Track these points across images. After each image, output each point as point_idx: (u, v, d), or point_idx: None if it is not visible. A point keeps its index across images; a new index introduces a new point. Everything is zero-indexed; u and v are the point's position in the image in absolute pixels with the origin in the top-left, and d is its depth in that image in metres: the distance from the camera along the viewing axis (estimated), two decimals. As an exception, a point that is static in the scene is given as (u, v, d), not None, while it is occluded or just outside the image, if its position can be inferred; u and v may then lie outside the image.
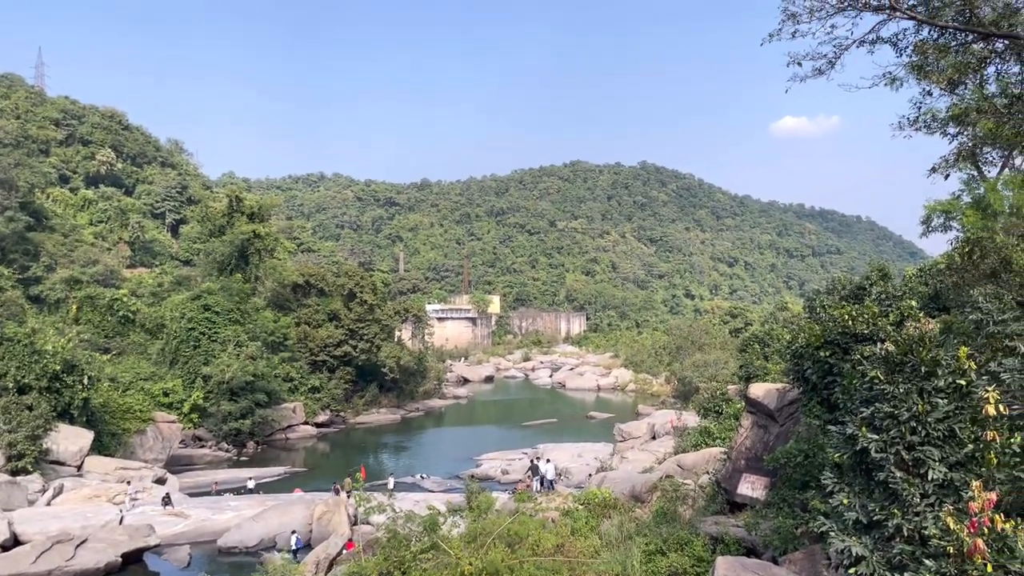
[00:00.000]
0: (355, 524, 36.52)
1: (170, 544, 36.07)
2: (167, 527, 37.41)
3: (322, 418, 77.15)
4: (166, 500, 41.43)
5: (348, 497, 40.14)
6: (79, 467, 47.36)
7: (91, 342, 68.21)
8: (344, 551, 30.59)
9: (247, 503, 42.55)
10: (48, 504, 40.28)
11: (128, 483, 41.24)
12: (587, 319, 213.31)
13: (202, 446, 64.00)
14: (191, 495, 46.71)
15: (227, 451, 63.82)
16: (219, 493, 47.88)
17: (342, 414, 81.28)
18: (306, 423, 74.08)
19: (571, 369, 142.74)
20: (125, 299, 76.40)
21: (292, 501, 42.01)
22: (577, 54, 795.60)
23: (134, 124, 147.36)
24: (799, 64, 16.46)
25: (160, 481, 48.37)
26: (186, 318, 70.10)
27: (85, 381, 51.22)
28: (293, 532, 35.69)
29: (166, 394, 64.81)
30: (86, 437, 48.95)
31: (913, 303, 20.80)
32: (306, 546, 35.73)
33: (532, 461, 45.22)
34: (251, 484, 49.80)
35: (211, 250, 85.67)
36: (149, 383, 65.31)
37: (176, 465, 56.54)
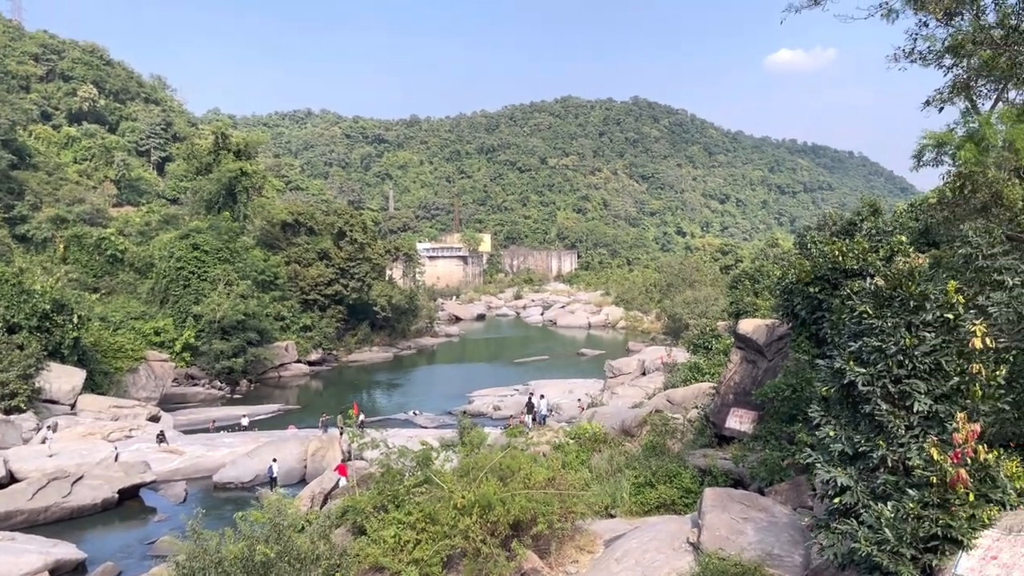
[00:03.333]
0: (348, 460, 37.01)
1: (166, 480, 36.58)
2: (162, 464, 37.85)
3: (314, 356, 77.55)
4: (160, 437, 41.83)
5: (341, 434, 40.63)
6: (72, 405, 47.68)
7: (79, 281, 67.94)
8: (338, 486, 31.03)
9: (241, 440, 43.03)
10: (43, 442, 40.63)
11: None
12: (578, 257, 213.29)
13: (195, 384, 64.39)
14: (186, 432, 47.18)
15: (220, 389, 64.27)
16: (217, 430, 48.38)
17: (334, 352, 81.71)
18: (299, 361, 74.50)
19: (562, 307, 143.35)
20: (112, 238, 75.82)
21: (286, 438, 42.49)
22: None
23: (115, 59, 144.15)
24: (795, -7, 16.13)
25: (154, 419, 48.78)
26: (175, 257, 69.74)
27: (75, 320, 51.19)
28: (274, 460, 36.26)
29: (157, 333, 64.88)
30: (78, 376, 49.16)
31: (903, 238, 20.81)
32: (300, 481, 36.28)
33: (529, 398, 45.69)
34: (245, 421, 50.28)
35: (198, 188, 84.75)
36: (140, 322, 65.32)
37: (170, 403, 56.96)
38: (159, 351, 62.15)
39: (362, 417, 47.12)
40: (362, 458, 33.26)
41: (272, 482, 35.11)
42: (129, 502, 33.69)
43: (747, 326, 26.37)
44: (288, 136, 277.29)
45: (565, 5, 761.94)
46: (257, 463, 37.57)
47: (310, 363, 76.22)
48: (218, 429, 48.95)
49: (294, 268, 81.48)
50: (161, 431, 43.07)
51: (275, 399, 62.47)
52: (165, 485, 36.12)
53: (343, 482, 30.70)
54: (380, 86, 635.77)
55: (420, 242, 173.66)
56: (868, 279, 10.68)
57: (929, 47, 15.95)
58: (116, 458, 37.48)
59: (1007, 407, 9.61)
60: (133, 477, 34.28)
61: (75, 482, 32.24)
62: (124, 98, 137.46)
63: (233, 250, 74.75)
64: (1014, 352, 11.12)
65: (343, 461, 35.62)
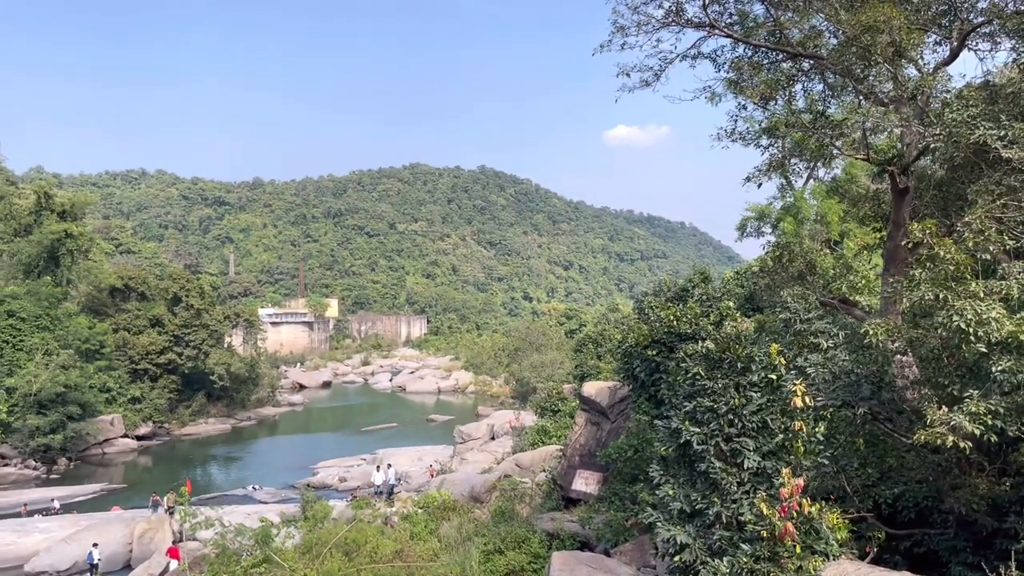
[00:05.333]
0: (180, 541, 34.54)
1: (-34, 574, 32.77)
2: (-38, 556, 33.89)
3: (144, 430, 72.31)
4: (-40, 526, 37.50)
5: (171, 514, 37.91)
6: None
7: None
8: (168, 570, 28.84)
9: (58, 524, 39.27)
10: None
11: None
12: (428, 322, 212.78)
13: (6, 464, 58.41)
14: (-8, 519, 42.55)
15: (35, 469, 58.60)
16: (30, 514, 43.90)
17: (166, 425, 76.59)
18: (126, 436, 69.18)
19: (411, 372, 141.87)
20: (-90, 304, 68.41)
21: (109, 520, 39.17)
22: (412, 54, 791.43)
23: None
24: (628, 75, 17.20)
25: (-46, 505, 43.70)
26: (-15, 325, 63.74)
27: None
28: (94, 545, 33.39)
29: (-38, 409, 58.63)
30: None
31: (730, 304, 22.23)
32: (125, 566, 33.49)
33: (384, 482, 43.94)
34: (56, 505, 45.78)
35: (16, 251, 78.36)
36: (-59, 397, 58.87)
37: (-27, 487, 51.28)
38: (-38, 429, 56.08)
39: (164, 501, 42.03)
40: (195, 539, 31.21)
41: (92, 569, 32.33)
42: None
43: (591, 388, 27.10)
44: (120, 197, 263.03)
45: (414, 75, 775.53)
46: (76, 549, 34.29)
47: (139, 437, 70.93)
48: (31, 513, 44.40)
49: (123, 336, 76.25)
50: (-40, 519, 38.59)
51: (98, 478, 57.53)
52: (-35, 579, 32.33)
53: (174, 565, 28.60)
54: (221, 147, 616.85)
55: (263, 307, 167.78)
56: (700, 342, 11.26)
57: (748, 128, 17.36)
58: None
59: (826, 462, 10.32)
60: (-76, 573, 30.43)
61: None
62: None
63: (54, 317, 69.29)
64: (830, 409, 12.01)
65: (174, 543, 33.19)
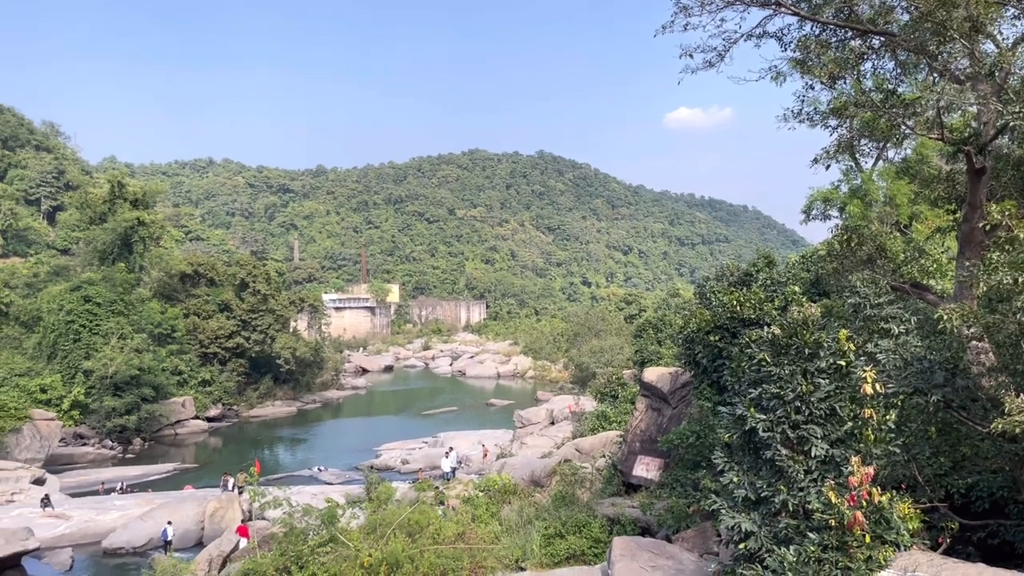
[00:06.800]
0: (250, 520, 35.58)
1: (51, 547, 34.28)
2: (47, 529, 35.47)
3: (213, 412, 74.67)
4: (45, 501, 39.27)
5: (241, 493, 39.07)
6: (-54, 470, 44.27)
7: (-43, 337, 63.87)
8: (238, 547, 29.74)
9: (134, 502, 40.88)
10: (-90, 511, 37.50)
11: None
12: (487, 307, 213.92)
13: (84, 444, 60.96)
14: (74, 495, 44.49)
15: (111, 448, 61.01)
16: (107, 492, 45.79)
17: (235, 407, 78.90)
18: (196, 417, 71.55)
19: (471, 357, 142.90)
20: (-4, 290, 71.75)
21: (182, 498, 40.55)
22: (472, 42, 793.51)
23: (5, 105, 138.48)
24: (691, 56, 16.87)
25: (39, 482, 45.80)
26: (65, 310, 66.40)
27: (-49, 378, 47.82)
28: (168, 522, 34.64)
29: (44, 391, 61.28)
30: (-47, 438, 45.75)
31: (796, 288, 21.79)
32: (197, 544, 34.65)
33: (451, 468, 44.52)
34: (122, 484, 47.43)
35: (92, 238, 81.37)
36: (25, 379, 61.65)
37: (56, 464, 53.65)
38: (45, 409, 58.53)
39: (232, 481, 43.17)
40: (264, 518, 32.08)
41: (166, 546, 33.53)
42: (10, 572, 31.27)
43: (651, 374, 26.90)
44: (189, 185, 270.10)
45: (472, 62, 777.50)
46: (151, 526, 35.66)
47: (209, 419, 73.27)
48: (108, 491, 46.34)
49: (193, 320, 78.67)
50: (46, 495, 40.41)
51: (171, 458, 59.67)
52: (50, 552, 33.78)
53: (244, 543, 29.49)
54: (285, 135, 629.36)
55: (326, 293, 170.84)
56: (765, 328, 11.07)
57: (815, 109, 16.90)
58: (-7, 525, 34.83)
59: (897, 450, 10.06)
60: (14, 544, 31.83)
61: (-55, 554, 29.75)
62: (13, 145, 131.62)
63: (128, 302, 71.77)
64: (901, 397, 11.70)
65: (244, 522, 34.18)
